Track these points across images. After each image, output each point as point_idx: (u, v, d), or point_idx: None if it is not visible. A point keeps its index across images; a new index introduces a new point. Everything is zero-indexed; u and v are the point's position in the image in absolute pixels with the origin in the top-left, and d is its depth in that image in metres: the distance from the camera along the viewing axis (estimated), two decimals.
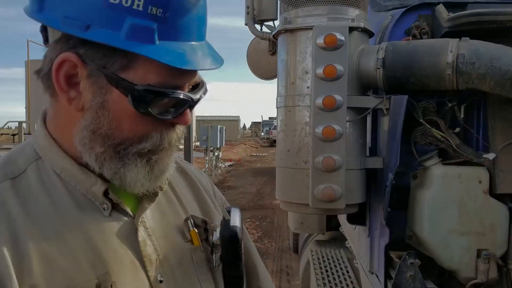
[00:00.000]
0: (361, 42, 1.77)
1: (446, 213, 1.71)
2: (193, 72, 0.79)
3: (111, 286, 0.74)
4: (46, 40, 0.79)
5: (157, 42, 0.70)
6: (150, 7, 0.68)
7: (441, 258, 1.72)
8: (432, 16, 1.85)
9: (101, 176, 0.80)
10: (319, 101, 1.66)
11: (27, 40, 22.37)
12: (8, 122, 15.87)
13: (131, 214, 0.83)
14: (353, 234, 2.51)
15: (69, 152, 0.81)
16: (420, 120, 1.71)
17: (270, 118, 51.89)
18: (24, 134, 14.12)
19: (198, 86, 0.82)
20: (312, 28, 1.70)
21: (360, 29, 1.74)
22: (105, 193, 0.80)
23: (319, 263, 3.24)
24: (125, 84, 0.72)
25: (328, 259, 3.31)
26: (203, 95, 0.81)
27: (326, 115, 1.67)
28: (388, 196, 1.65)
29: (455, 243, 1.70)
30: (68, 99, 0.76)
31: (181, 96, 0.76)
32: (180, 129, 0.82)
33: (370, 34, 1.83)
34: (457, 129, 1.74)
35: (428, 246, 1.72)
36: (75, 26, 0.69)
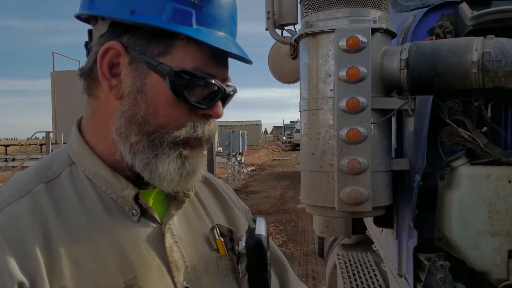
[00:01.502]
0: (383, 43, 1.76)
1: (475, 213, 1.68)
2: (225, 65, 0.84)
3: None
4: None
5: (195, 25, 0.77)
6: None
7: (471, 260, 1.69)
8: (455, 14, 1.83)
9: (132, 181, 0.83)
10: (342, 103, 1.66)
11: (52, 52, 22.85)
12: (36, 133, 16.27)
13: (159, 220, 0.85)
14: (380, 237, 2.49)
15: (101, 156, 0.83)
16: (447, 120, 1.68)
17: (291, 122, 51.87)
18: (51, 144, 14.41)
19: (236, 91, 0.86)
20: (334, 31, 1.70)
21: (382, 30, 1.73)
22: (135, 198, 0.82)
23: (346, 267, 3.22)
24: (163, 67, 0.77)
25: (355, 263, 3.28)
26: (232, 93, 0.85)
27: (350, 117, 1.66)
28: (415, 197, 1.64)
29: (486, 244, 1.67)
30: (109, 86, 0.80)
31: (214, 83, 0.80)
32: (212, 124, 0.84)
33: (392, 35, 1.82)
34: (485, 128, 1.71)
35: (457, 248, 1.70)
36: (122, 12, 0.76)
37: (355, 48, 1.65)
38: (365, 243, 3.57)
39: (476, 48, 1.58)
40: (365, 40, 1.65)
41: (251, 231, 0.91)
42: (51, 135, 14.79)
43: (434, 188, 1.69)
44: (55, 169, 0.82)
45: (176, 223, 0.87)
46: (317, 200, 1.80)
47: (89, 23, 0.85)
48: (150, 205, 0.85)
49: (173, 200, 0.89)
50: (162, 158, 0.79)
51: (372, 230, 2.79)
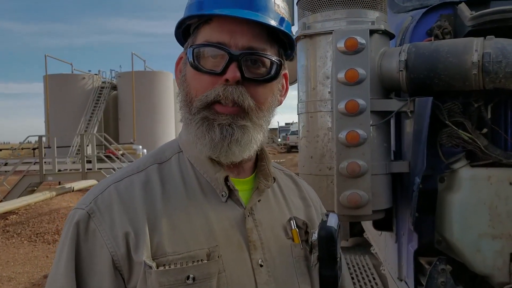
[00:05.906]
0: (382, 44, 1.74)
1: (476, 216, 1.66)
2: (243, 33, 0.91)
3: (218, 256, 0.90)
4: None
5: (203, 10, 0.92)
6: None
7: (472, 263, 1.67)
8: (454, 15, 1.82)
9: (223, 167, 0.98)
10: (341, 106, 1.64)
11: (45, 55, 22.73)
12: (28, 137, 16.20)
13: (243, 205, 0.97)
14: (379, 240, 2.46)
15: None
16: (446, 121, 1.67)
17: (286, 124, 51.88)
18: (44, 147, 14.28)
19: (256, 53, 0.92)
20: (332, 32, 1.68)
21: (380, 32, 1.71)
22: (225, 181, 0.96)
23: None
24: (186, 51, 0.95)
25: (353, 266, 3.25)
26: (249, 54, 0.91)
27: (349, 120, 1.64)
28: (415, 200, 1.62)
29: (487, 247, 1.65)
30: (179, 84, 1.00)
31: (216, 45, 0.90)
32: (236, 89, 0.90)
33: (391, 36, 1.80)
34: (485, 130, 1.70)
35: (458, 251, 1.68)
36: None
37: (353, 49, 1.63)
38: (363, 246, 3.55)
39: (476, 49, 1.56)
40: (363, 41, 1.63)
41: (323, 223, 1.00)
42: (44, 139, 14.68)
43: (434, 190, 1.68)
44: (167, 154, 1.02)
45: (258, 210, 1.00)
46: None
47: None
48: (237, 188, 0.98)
49: (256, 189, 1.01)
50: (194, 123, 0.93)
51: (371, 233, 2.77)
